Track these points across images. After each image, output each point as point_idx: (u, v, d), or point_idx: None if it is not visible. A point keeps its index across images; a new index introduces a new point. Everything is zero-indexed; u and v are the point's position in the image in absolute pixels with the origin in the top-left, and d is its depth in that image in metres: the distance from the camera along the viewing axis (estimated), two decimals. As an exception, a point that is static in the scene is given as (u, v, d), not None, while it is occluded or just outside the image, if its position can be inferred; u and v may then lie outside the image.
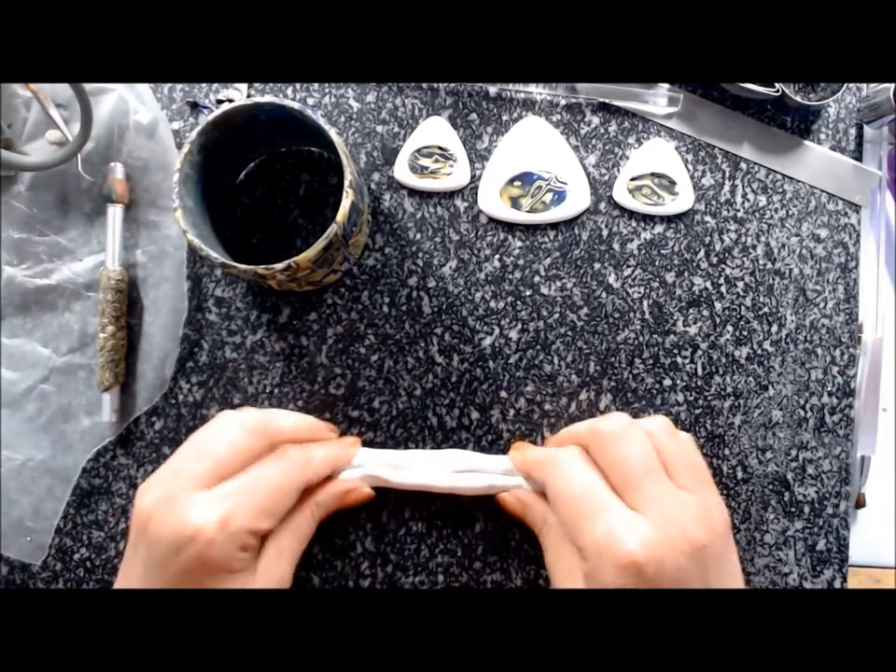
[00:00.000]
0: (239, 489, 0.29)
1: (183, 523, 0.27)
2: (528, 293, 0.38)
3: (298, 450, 0.32)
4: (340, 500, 0.34)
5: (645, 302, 0.38)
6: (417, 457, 0.35)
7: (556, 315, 0.38)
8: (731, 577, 0.29)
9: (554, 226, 0.39)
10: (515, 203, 0.38)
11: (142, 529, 0.28)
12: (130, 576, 0.29)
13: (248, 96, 0.40)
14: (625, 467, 0.29)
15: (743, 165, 0.39)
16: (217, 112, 0.32)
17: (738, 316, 0.39)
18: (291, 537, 0.31)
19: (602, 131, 0.39)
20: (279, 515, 0.30)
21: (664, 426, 0.31)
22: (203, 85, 0.39)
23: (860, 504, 0.39)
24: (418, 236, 0.39)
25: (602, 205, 0.39)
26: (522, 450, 0.35)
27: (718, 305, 0.39)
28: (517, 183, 0.38)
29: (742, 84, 0.38)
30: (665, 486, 0.28)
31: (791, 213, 0.39)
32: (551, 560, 0.32)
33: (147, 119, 0.38)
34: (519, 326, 0.38)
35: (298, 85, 0.40)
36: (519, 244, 0.39)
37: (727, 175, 0.39)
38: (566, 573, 0.30)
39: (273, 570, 0.30)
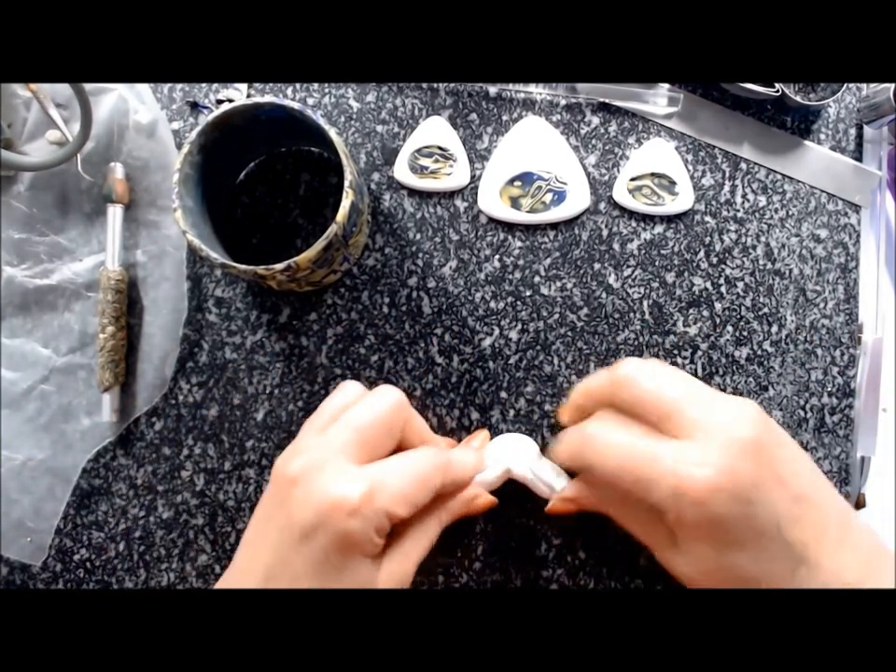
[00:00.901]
0: (385, 469, 0.28)
1: (329, 492, 0.26)
2: (528, 293, 0.38)
3: (439, 452, 0.31)
4: (467, 506, 0.33)
5: (645, 303, 0.39)
6: (510, 445, 0.35)
7: (556, 316, 0.38)
8: (799, 460, 0.28)
9: (554, 226, 0.39)
10: (515, 203, 0.38)
11: (285, 496, 0.28)
12: (259, 544, 0.29)
13: (248, 96, 0.40)
14: (656, 400, 0.28)
15: (743, 165, 0.39)
16: (217, 112, 0.32)
17: (738, 317, 0.39)
18: (420, 538, 0.30)
19: (602, 131, 0.39)
20: (416, 507, 0.29)
21: (662, 363, 0.32)
22: (203, 85, 0.39)
23: (860, 504, 0.39)
24: (418, 236, 0.39)
25: (602, 205, 0.39)
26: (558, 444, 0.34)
27: (718, 306, 0.39)
28: (517, 183, 0.38)
29: (742, 84, 0.38)
30: (702, 403, 0.28)
31: (790, 213, 0.39)
32: (628, 522, 0.31)
33: (147, 119, 0.38)
34: (519, 326, 0.38)
35: (298, 85, 0.40)
36: (519, 244, 0.39)
37: (727, 175, 0.39)
38: (648, 529, 0.30)
39: (400, 570, 0.29)
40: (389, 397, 0.30)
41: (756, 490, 0.26)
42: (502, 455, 0.34)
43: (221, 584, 0.30)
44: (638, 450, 0.28)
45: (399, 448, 0.31)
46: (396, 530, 0.29)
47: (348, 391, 0.32)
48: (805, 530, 0.26)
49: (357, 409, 0.30)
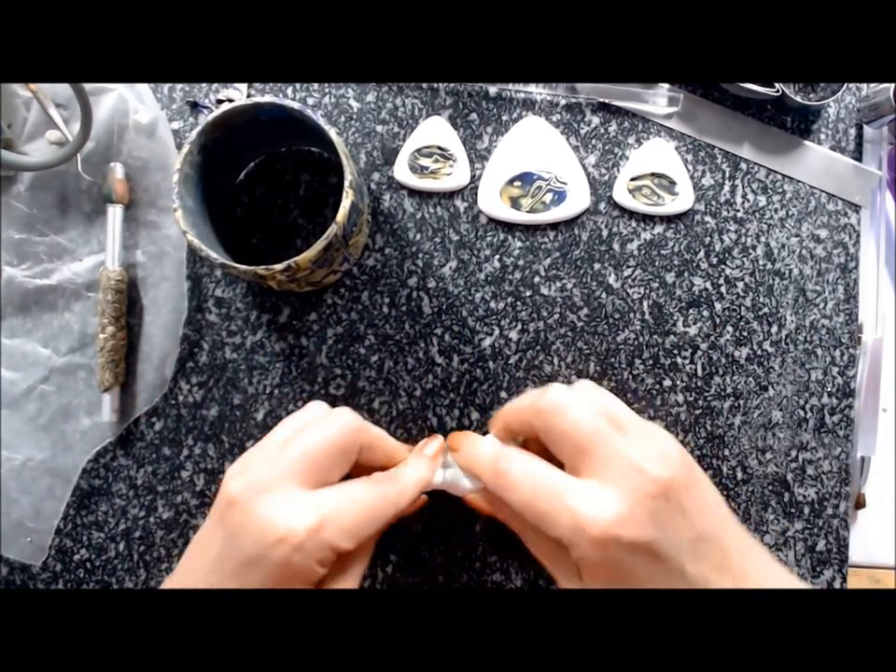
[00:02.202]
0: (335, 501, 0.28)
1: (272, 521, 0.26)
2: (528, 293, 0.38)
3: (392, 478, 0.31)
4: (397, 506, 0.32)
5: (645, 303, 0.38)
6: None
7: (556, 316, 0.38)
8: (706, 499, 0.28)
9: (554, 226, 0.39)
10: (515, 203, 0.38)
11: (222, 515, 0.27)
12: (203, 553, 0.28)
13: (248, 96, 0.40)
14: (576, 433, 0.28)
15: (743, 165, 0.39)
16: (217, 112, 0.32)
17: (738, 317, 0.38)
18: (362, 558, 0.30)
19: (602, 131, 0.39)
20: (362, 540, 0.28)
21: (593, 386, 0.31)
22: (203, 85, 0.39)
23: (859, 504, 0.39)
24: (418, 236, 0.39)
25: (602, 205, 0.39)
26: (460, 448, 0.33)
27: (718, 306, 0.39)
28: (517, 183, 0.38)
29: (742, 84, 0.38)
30: (617, 440, 0.28)
31: (790, 213, 0.39)
32: (536, 550, 0.31)
33: (147, 119, 0.38)
34: (519, 326, 0.38)
35: (298, 85, 0.40)
36: (519, 244, 0.39)
37: (727, 175, 0.39)
38: (554, 561, 0.30)
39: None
40: (342, 421, 0.30)
41: (659, 530, 0.26)
42: None
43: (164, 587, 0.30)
44: (545, 485, 0.28)
45: (360, 465, 0.31)
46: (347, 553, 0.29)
47: (309, 412, 0.32)
48: (706, 567, 0.26)
49: (310, 433, 0.29)
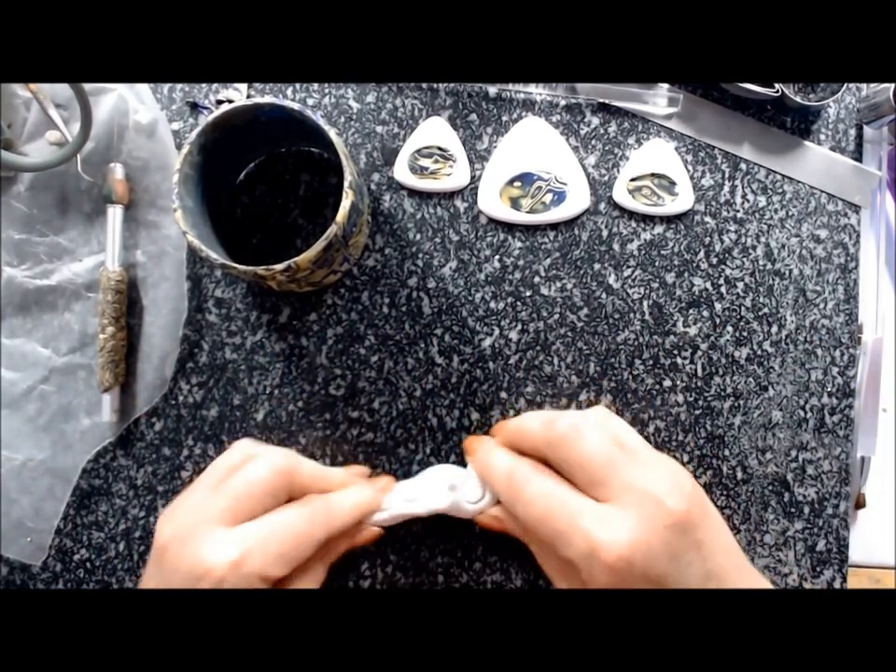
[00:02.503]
0: (257, 532, 0.28)
1: (197, 560, 0.27)
2: (528, 294, 0.38)
3: (322, 500, 0.31)
4: (350, 542, 0.33)
5: (645, 303, 0.39)
6: (426, 484, 0.35)
7: (556, 316, 0.38)
8: (718, 532, 0.28)
9: (554, 226, 0.39)
10: (515, 203, 0.38)
11: (158, 560, 0.28)
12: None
13: (248, 96, 0.40)
14: (590, 464, 0.28)
15: (743, 166, 0.39)
16: (217, 113, 0.32)
17: (738, 317, 0.39)
18: (307, 583, 0.31)
19: (602, 131, 0.39)
20: (294, 564, 0.29)
21: (606, 413, 0.32)
22: (203, 85, 0.39)
23: (859, 504, 0.39)
24: (418, 237, 0.39)
25: (602, 206, 0.39)
26: (475, 452, 0.34)
27: (718, 306, 0.39)
28: (517, 183, 0.38)
29: (742, 84, 0.38)
30: (632, 470, 0.28)
31: (790, 213, 0.39)
32: (544, 564, 0.31)
33: (147, 120, 0.38)
34: (519, 326, 0.38)
35: (298, 85, 0.40)
36: (519, 244, 0.39)
37: (727, 175, 0.39)
38: (562, 577, 0.30)
39: None
40: (271, 464, 0.30)
41: (673, 564, 0.26)
42: (415, 495, 0.34)
43: None
44: (560, 504, 0.28)
45: (293, 499, 0.31)
46: (283, 578, 0.29)
47: (238, 451, 0.32)
48: None
49: (236, 479, 0.30)
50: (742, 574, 0.29)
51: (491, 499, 0.33)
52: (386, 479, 0.35)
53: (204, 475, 0.31)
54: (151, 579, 0.29)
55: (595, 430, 0.29)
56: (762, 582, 0.29)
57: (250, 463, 0.31)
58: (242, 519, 0.29)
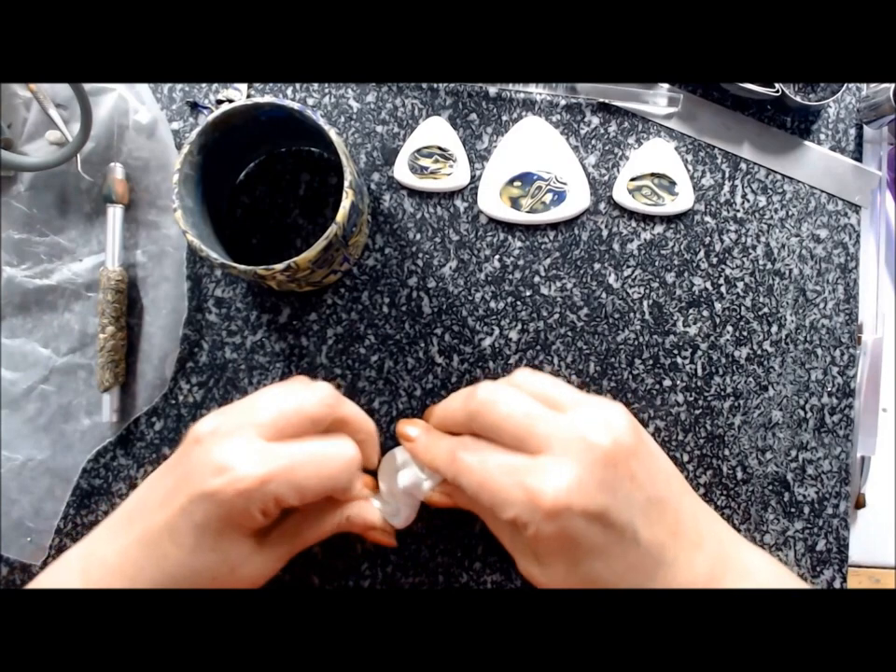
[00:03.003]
0: (291, 456, 0.28)
1: (225, 459, 0.27)
2: (528, 293, 0.38)
3: (356, 448, 0.31)
4: (363, 531, 0.33)
5: (645, 303, 0.39)
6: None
7: (556, 316, 0.38)
8: (657, 465, 0.29)
9: (554, 226, 0.39)
10: (515, 203, 0.38)
11: (187, 451, 0.29)
12: (157, 485, 0.30)
13: (248, 96, 0.40)
14: (510, 423, 0.28)
15: (743, 165, 0.39)
16: (217, 112, 0.32)
17: (738, 317, 0.39)
18: (309, 532, 0.31)
19: (602, 131, 0.39)
20: (310, 499, 0.29)
21: (530, 372, 0.32)
22: (203, 85, 0.39)
23: (860, 504, 0.39)
24: (418, 236, 0.39)
25: (602, 206, 0.39)
26: (416, 439, 0.33)
27: (718, 306, 0.39)
28: (517, 183, 0.38)
29: (742, 84, 0.38)
30: (553, 419, 0.28)
31: (790, 213, 0.39)
32: (498, 534, 0.31)
33: (147, 119, 0.38)
34: (519, 326, 0.38)
35: (298, 85, 0.40)
36: (519, 244, 0.39)
37: (727, 175, 0.39)
38: (514, 544, 0.30)
39: (276, 556, 0.30)
40: (319, 394, 0.31)
41: (610, 496, 0.26)
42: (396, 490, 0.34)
43: (109, 520, 0.31)
44: (493, 467, 0.28)
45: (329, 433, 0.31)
46: (289, 514, 0.30)
47: (290, 381, 0.33)
48: (660, 532, 0.27)
49: (285, 397, 0.30)
50: (683, 497, 0.29)
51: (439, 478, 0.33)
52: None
53: (252, 395, 0.32)
54: (171, 469, 0.29)
55: (510, 391, 0.30)
56: (706, 509, 0.30)
57: (303, 386, 0.31)
58: (280, 437, 0.29)
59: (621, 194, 0.38)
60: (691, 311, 0.39)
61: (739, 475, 0.38)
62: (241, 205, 0.39)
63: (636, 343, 0.38)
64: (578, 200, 0.38)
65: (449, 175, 0.38)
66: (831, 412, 0.38)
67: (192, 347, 0.38)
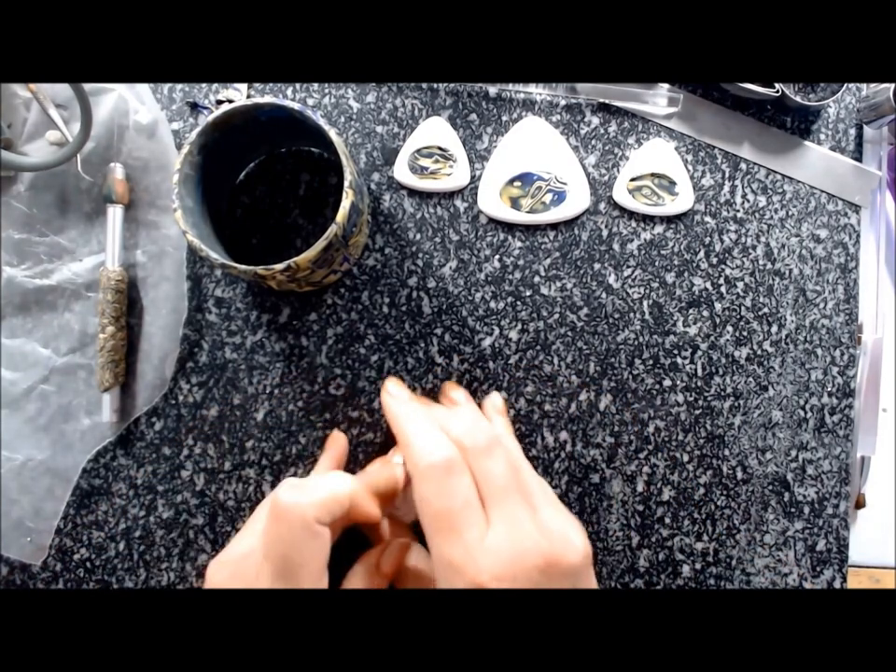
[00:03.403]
0: (324, 482, 0.30)
1: (276, 498, 0.28)
2: (528, 293, 0.38)
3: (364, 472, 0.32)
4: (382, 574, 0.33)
5: (645, 303, 0.39)
6: None
7: (556, 316, 0.38)
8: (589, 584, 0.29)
9: (554, 226, 0.39)
10: (515, 203, 0.38)
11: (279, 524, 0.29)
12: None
13: (248, 96, 0.40)
14: (489, 484, 0.29)
15: (743, 165, 0.39)
16: (217, 113, 0.32)
17: (738, 317, 0.39)
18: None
19: (602, 131, 0.39)
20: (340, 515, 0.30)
21: (517, 452, 0.32)
22: (203, 85, 0.39)
23: (860, 504, 0.39)
24: (418, 236, 0.39)
25: (602, 206, 0.39)
26: (397, 421, 0.32)
27: (718, 306, 0.39)
28: (517, 183, 0.38)
29: (742, 84, 0.38)
30: (523, 505, 0.28)
31: (790, 213, 0.39)
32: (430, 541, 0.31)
33: (147, 120, 0.38)
34: (519, 326, 0.38)
35: (298, 85, 0.40)
36: (519, 244, 0.39)
37: (727, 175, 0.39)
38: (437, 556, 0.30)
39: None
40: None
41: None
42: None
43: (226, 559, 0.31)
44: (459, 510, 0.28)
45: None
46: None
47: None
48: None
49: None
50: None
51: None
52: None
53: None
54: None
55: (504, 456, 0.30)
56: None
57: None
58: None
59: (621, 194, 0.38)
60: (691, 311, 0.39)
61: (739, 475, 0.38)
62: (241, 205, 0.39)
63: (636, 342, 0.38)
64: (578, 200, 0.38)
65: (449, 175, 0.38)
66: (831, 412, 0.38)
67: (192, 347, 0.38)
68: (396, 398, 0.33)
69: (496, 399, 0.37)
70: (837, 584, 0.38)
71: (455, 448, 0.29)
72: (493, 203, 0.38)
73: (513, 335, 0.38)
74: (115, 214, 0.37)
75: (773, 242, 0.39)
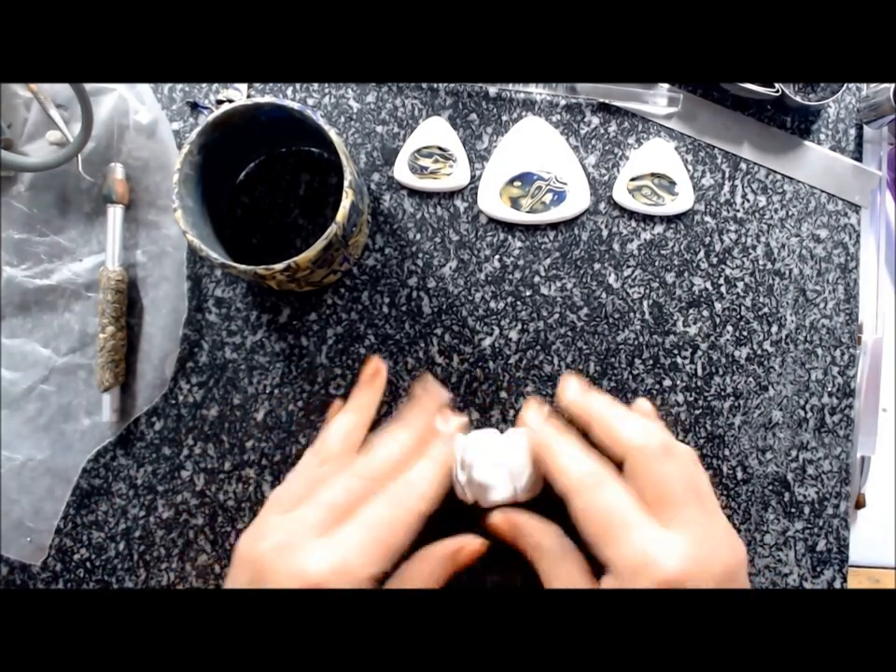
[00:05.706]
0: (354, 534, 0.28)
1: (300, 572, 0.27)
2: (528, 293, 0.38)
3: (397, 484, 0.30)
4: (454, 562, 0.32)
5: (645, 303, 0.38)
6: (498, 461, 0.33)
7: (556, 316, 0.38)
8: None
9: (554, 226, 0.39)
10: (515, 203, 0.38)
11: (260, 572, 0.28)
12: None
13: (248, 96, 0.40)
14: (666, 487, 0.29)
15: (743, 165, 0.39)
16: (217, 112, 0.32)
17: (738, 317, 0.39)
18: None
19: (602, 131, 0.39)
20: (396, 555, 0.29)
21: (693, 456, 0.32)
22: (203, 85, 0.39)
23: (860, 504, 0.39)
24: (418, 236, 0.39)
25: (602, 206, 0.39)
26: (545, 449, 0.32)
27: (718, 306, 0.39)
28: (517, 183, 0.38)
29: (742, 84, 0.38)
30: (701, 510, 0.29)
31: (790, 213, 0.39)
32: (550, 583, 0.31)
33: (147, 120, 0.38)
34: (519, 326, 0.38)
35: (298, 85, 0.40)
36: (519, 244, 0.39)
37: (727, 175, 0.39)
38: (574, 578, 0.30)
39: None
40: (353, 473, 0.30)
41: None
42: (496, 459, 0.32)
43: None
44: (625, 509, 0.28)
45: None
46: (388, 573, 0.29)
47: (310, 466, 0.32)
48: None
49: (328, 489, 0.30)
50: None
51: (524, 491, 0.33)
52: (457, 421, 0.34)
53: (284, 490, 0.31)
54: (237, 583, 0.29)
55: (680, 461, 0.30)
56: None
57: (333, 474, 0.31)
58: (336, 527, 0.28)
59: (621, 194, 0.38)
60: (691, 311, 0.39)
61: (739, 475, 0.38)
62: (241, 205, 0.39)
63: (636, 342, 0.38)
64: (578, 200, 0.38)
65: (449, 175, 0.38)
66: (831, 412, 0.38)
67: (192, 347, 0.38)
68: (538, 417, 0.34)
69: (643, 405, 0.37)
70: (837, 584, 0.38)
71: (596, 462, 0.30)
72: (493, 202, 0.38)
73: (513, 335, 0.38)
74: (115, 214, 0.37)
75: (773, 242, 0.39)
